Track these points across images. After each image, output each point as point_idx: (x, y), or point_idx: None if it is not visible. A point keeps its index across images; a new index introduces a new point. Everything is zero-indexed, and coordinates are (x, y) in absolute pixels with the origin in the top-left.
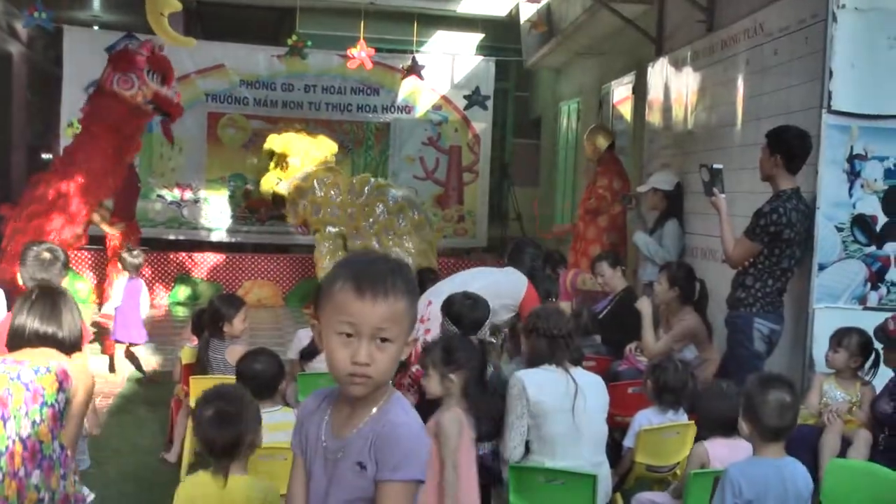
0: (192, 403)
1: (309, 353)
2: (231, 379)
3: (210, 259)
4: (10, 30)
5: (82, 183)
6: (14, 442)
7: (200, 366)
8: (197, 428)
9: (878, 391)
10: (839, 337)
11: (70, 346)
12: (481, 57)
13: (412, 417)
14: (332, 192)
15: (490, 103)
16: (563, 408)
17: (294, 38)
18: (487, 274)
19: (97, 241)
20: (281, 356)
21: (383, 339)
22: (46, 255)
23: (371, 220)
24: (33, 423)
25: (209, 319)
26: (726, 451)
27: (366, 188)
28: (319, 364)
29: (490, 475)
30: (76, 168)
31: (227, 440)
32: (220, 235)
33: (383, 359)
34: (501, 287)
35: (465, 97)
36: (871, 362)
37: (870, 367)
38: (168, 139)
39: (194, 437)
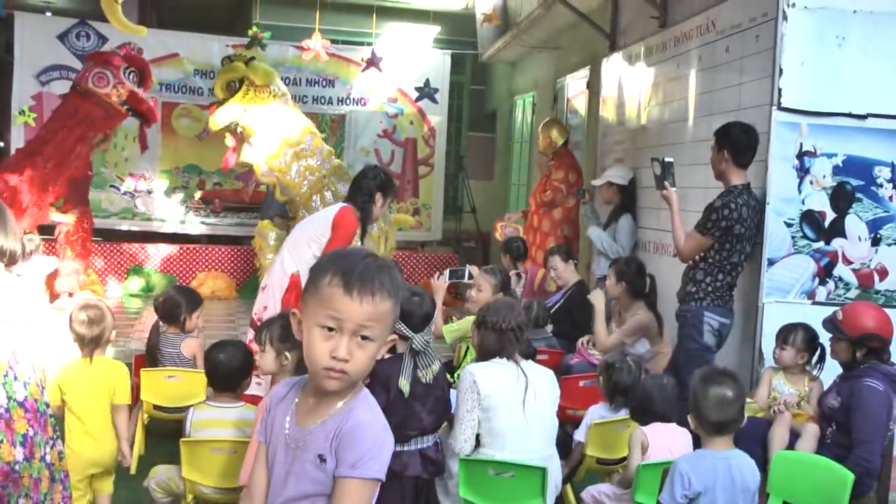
0: (143, 395)
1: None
2: (184, 371)
3: (163, 250)
4: None
5: (44, 182)
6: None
7: (150, 355)
8: (72, 326)
9: (825, 386)
10: (785, 334)
11: (12, 257)
12: (436, 49)
13: (377, 416)
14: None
15: (445, 96)
16: (513, 401)
17: (255, 28)
18: (309, 220)
19: (46, 230)
20: None
21: (364, 337)
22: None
23: (317, 198)
24: (24, 384)
25: (168, 311)
26: (661, 430)
27: (327, 162)
28: None
29: (434, 467)
30: (38, 166)
31: (94, 334)
32: (173, 226)
33: (362, 356)
34: (314, 223)
35: (416, 89)
36: (818, 357)
37: (816, 362)
38: (142, 146)
39: (71, 332)
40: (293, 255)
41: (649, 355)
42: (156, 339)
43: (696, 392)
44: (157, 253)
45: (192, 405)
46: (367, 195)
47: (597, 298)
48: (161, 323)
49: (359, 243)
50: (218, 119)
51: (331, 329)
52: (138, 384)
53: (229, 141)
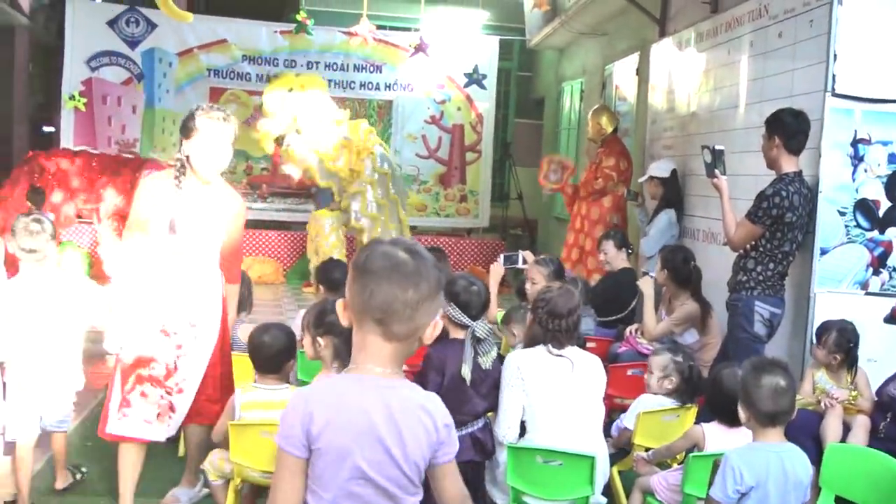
0: None
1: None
2: (245, 357)
3: None
4: (12, 1)
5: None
6: None
7: None
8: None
9: (869, 378)
10: (819, 332)
11: None
12: (484, 35)
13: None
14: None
15: (493, 82)
16: (558, 388)
17: (301, 14)
18: None
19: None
20: None
21: None
22: (34, 225)
23: (359, 180)
24: None
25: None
26: (722, 437)
27: (370, 136)
28: None
29: (484, 450)
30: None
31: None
32: None
33: None
34: None
35: (465, 75)
36: (850, 362)
37: (849, 368)
38: None
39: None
40: None
41: (697, 345)
42: None
43: (747, 382)
44: None
45: (238, 387)
46: None
47: (646, 285)
48: None
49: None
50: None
51: None
52: None
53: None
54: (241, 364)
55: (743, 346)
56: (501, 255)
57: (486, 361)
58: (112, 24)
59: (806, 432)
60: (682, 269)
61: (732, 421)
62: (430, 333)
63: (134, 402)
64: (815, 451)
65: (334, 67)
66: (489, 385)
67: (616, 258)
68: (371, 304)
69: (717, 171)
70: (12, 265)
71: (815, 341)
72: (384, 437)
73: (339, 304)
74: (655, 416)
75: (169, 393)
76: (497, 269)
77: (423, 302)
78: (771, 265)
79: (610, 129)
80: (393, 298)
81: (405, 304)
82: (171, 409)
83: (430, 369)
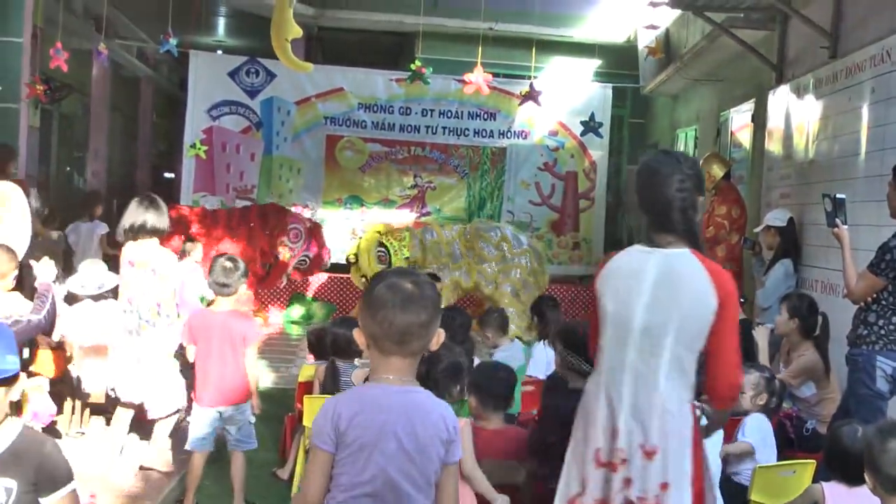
0: (306, 422)
1: None
2: None
3: (324, 279)
4: (138, 53)
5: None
6: None
7: (328, 389)
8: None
9: None
10: None
11: (164, 233)
12: (598, 83)
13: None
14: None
15: (606, 130)
16: None
17: (417, 63)
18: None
19: None
20: None
21: None
22: (228, 263)
23: (486, 252)
24: None
25: (341, 345)
26: (843, 496)
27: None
28: None
29: None
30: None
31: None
32: (335, 256)
33: None
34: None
35: (581, 123)
36: None
37: None
38: None
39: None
40: None
41: (815, 399)
42: (332, 370)
43: (872, 447)
44: (318, 282)
45: None
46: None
47: (761, 335)
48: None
49: None
50: None
51: None
52: (301, 410)
53: None
54: None
55: (864, 402)
56: None
57: None
58: (233, 74)
59: None
60: (809, 319)
61: (852, 480)
62: (436, 341)
63: None
64: None
65: (448, 115)
66: None
67: None
68: (391, 331)
69: (837, 221)
70: None
71: None
72: (399, 433)
73: (356, 332)
74: (772, 471)
75: None
76: None
77: (433, 320)
78: (894, 318)
79: (720, 176)
80: (409, 324)
81: (420, 325)
82: None
83: (552, 420)
